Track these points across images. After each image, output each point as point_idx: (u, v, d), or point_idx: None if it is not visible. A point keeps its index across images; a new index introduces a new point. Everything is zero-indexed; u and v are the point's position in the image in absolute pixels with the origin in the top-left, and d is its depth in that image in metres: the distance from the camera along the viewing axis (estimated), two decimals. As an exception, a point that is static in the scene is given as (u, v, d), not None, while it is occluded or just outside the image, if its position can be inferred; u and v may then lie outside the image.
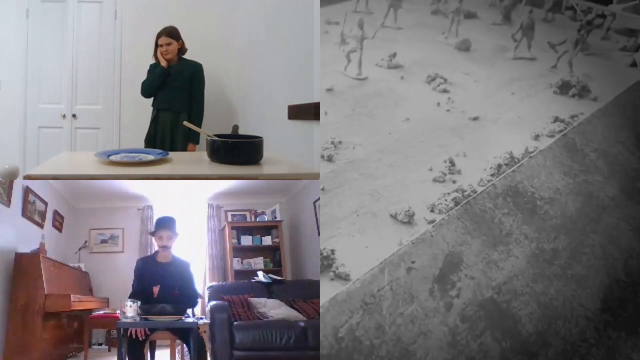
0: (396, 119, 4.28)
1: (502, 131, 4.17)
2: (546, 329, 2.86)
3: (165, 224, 3.46)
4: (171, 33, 4.17)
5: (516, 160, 3.69)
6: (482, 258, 3.05)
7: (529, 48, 5.39)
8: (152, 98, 4.29)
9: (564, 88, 4.71)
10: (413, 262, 2.88)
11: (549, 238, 3.26)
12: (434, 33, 5.96)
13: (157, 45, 4.18)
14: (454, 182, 3.53)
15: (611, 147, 3.99)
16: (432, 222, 3.14)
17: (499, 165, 3.65)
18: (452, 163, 3.65)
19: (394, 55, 5.15)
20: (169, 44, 4.15)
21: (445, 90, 4.70)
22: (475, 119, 4.30)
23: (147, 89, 4.25)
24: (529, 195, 3.46)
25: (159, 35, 4.17)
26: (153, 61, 4.22)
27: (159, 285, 3.35)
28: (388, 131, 4.11)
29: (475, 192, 3.38)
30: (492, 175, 3.57)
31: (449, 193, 3.39)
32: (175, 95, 4.21)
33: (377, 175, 3.61)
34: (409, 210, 3.18)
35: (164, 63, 4.18)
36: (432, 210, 3.25)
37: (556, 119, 4.21)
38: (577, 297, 3.03)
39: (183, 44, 4.23)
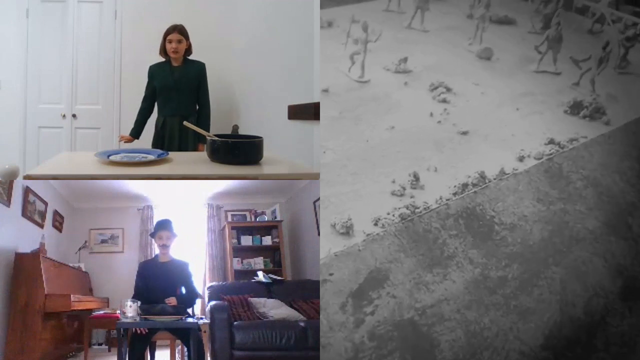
0: (380, 126, 4.13)
1: (488, 148, 3.97)
2: (467, 359, 2.72)
3: (164, 225, 3.54)
4: (182, 30, 3.95)
5: (487, 181, 3.53)
6: (411, 278, 2.92)
7: (555, 61, 5.08)
8: (155, 105, 4.13)
9: (575, 108, 4.41)
10: (331, 275, 2.81)
11: (499, 265, 3.10)
12: (461, 38, 5.73)
13: (165, 42, 3.95)
14: (412, 197, 3.39)
15: (606, 176, 3.78)
16: (370, 235, 3.05)
17: (465, 185, 3.48)
18: (417, 178, 3.51)
19: (405, 59, 4.94)
20: (179, 41, 3.92)
21: (444, 100, 4.52)
22: (465, 133, 4.11)
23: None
24: (487, 219, 3.31)
25: (168, 32, 3.94)
26: (154, 61, 4.18)
27: (161, 282, 3.40)
28: (367, 138, 3.98)
29: (428, 210, 3.24)
30: (454, 194, 3.42)
31: (398, 208, 3.26)
32: (182, 99, 4.04)
33: (336, 182, 3.50)
34: (347, 222, 3.07)
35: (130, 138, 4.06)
36: (375, 224, 3.13)
37: (550, 141, 3.99)
38: (515, 330, 2.86)
39: (190, 45, 4.07)
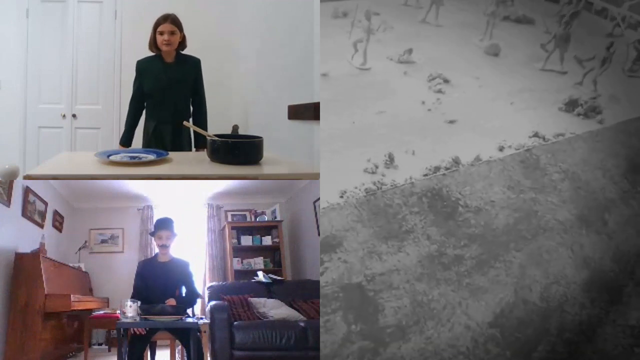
0: (371, 110, 4.32)
1: (471, 137, 4.12)
2: (410, 325, 2.85)
3: (164, 224, 3.52)
4: (175, 21, 3.45)
5: (461, 166, 3.71)
6: (365, 247, 3.12)
7: (562, 60, 5.19)
8: (144, 108, 3.72)
9: (570, 106, 4.58)
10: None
11: (457, 244, 3.25)
12: (473, 34, 5.92)
13: (155, 34, 3.48)
14: (383, 175, 3.61)
15: (587, 172, 3.90)
16: (331, 204, 3.27)
17: (437, 168, 3.67)
18: (392, 158, 3.71)
19: (410, 50, 5.11)
20: (172, 33, 3.42)
21: (439, 91, 4.69)
22: (452, 122, 4.27)
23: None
24: (452, 201, 3.48)
25: (159, 22, 3.45)
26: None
27: (161, 281, 3.39)
28: (354, 120, 4.18)
29: (393, 187, 3.45)
30: (424, 175, 3.63)
31: (365, 183, 3.48)
32: (177, 102, 3.58)
33: None
34: None
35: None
36: (341, 197, 3.38)
37: (535, 134, 4.13)
38: (464, 306, 2.98)
39: (185, 38, 3.56)
